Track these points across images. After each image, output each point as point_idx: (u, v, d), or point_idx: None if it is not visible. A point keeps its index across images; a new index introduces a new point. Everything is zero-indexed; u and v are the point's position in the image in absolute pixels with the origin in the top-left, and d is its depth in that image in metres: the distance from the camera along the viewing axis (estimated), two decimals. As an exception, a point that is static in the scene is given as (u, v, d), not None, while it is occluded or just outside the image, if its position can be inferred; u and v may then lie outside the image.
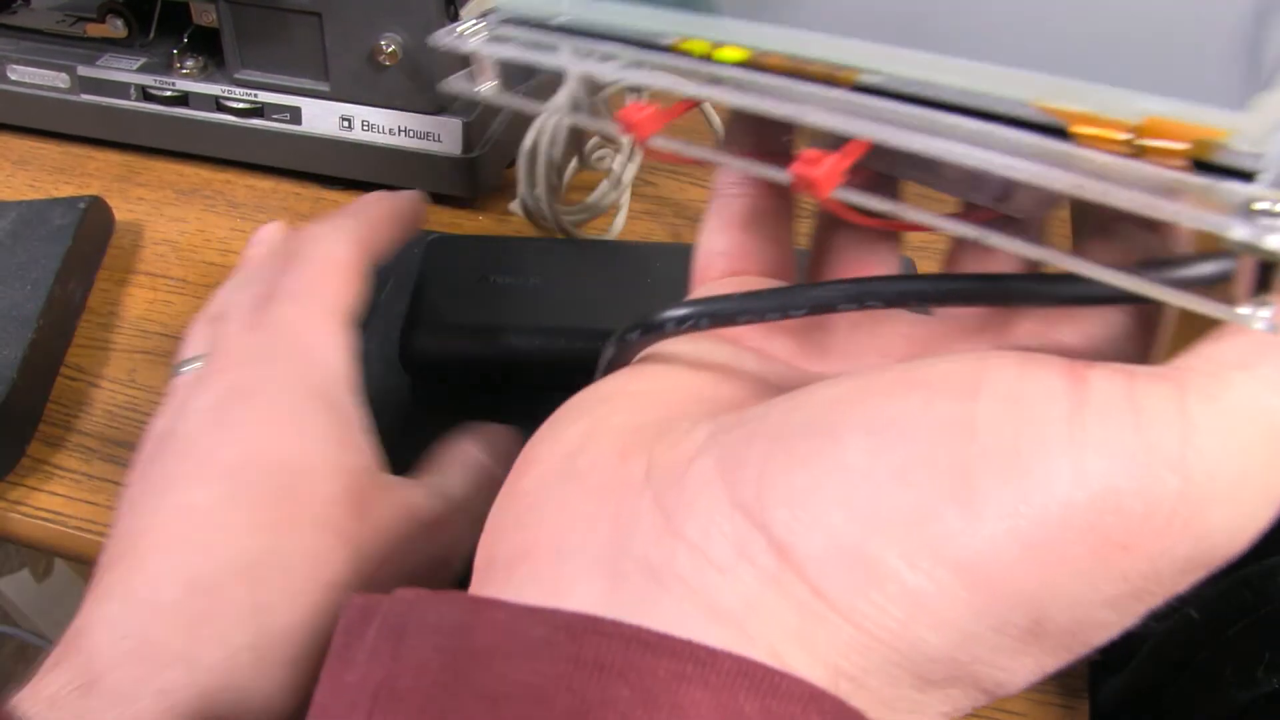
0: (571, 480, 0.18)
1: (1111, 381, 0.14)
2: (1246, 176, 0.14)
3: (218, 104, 0.52)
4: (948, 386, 0.15)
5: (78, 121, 0.54)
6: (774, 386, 0.20)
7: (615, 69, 0.20)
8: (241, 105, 0.51)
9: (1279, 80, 0.15)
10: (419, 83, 0.49)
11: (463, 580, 0.29)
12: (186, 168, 0.54)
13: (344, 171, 0.52)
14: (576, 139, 0.44)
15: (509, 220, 0.51)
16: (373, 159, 0.51)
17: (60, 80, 0.53)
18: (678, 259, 0.42)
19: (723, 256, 0.24)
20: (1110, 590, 0.14)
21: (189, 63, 0.52)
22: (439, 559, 0.28)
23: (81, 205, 0.46)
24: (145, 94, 0.52)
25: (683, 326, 0.19)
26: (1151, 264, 0.15)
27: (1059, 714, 0.33)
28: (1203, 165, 0.14)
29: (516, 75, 0.24)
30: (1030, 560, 0.14)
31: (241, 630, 0.25)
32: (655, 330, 0.20)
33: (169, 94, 0.52)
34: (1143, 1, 0.18)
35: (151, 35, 0.54)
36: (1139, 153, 0.15)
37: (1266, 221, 0.13)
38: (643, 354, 0.21)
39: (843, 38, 0.18)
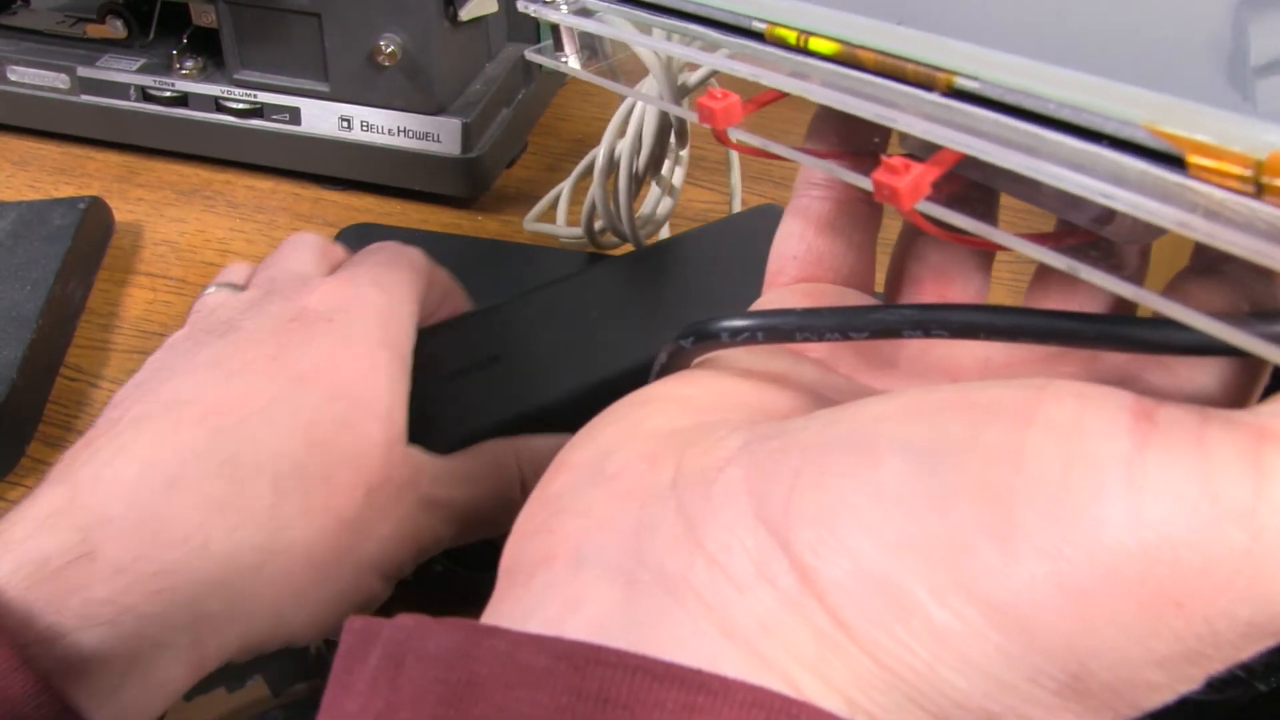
0: (599, 484, 0.17)
1: (1181, 423, 0.13)
2: None
3: (217, 104, 0.52)
4: (1000, 412, 0.14)
5: (78, 122, 0.54)
6: (828, 400, 0.19)
7: (702, 54, 0.19)
8: (241, 106, 0.51)
9: None
10: (418, 83, 0.49)
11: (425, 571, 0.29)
12: (186, 168, 0.54)
13: (343, 172, 0.52)
14: (661, 145, 0.41)
15: (511, 222, 0.51)
16: (372, 159, 0.51)
17: (60, 81, 0.53)
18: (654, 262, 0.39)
19: (795, 261, 0.23)
20: (1161, 649, 0.13)
21: (189, 63, 0.52)
22: (424, 538, 0.28)
23: (81, 205, 0.46)
24: (145, 94, 0.52)
25: (737, 339, 0.19)
26: (1258, 315, 0.14)
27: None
28: None
29: (593, 51, 0.23)
30: (1071, 607, 0.13)
31: (256, 529, 0.24)
32: (709, 339, 0.19)
33: (169, 94, 0.52)
34: (1272, 22, 0.16)
35: (151, 36, 0.54)
36: (1259, 191, 0.13)
37: None
38: (698, 360, 0.21)
39: (940, 36, 0.16)
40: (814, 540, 0.14)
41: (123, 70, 0.52)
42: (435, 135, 0.50)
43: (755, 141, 0.19)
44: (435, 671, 0.15)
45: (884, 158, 0.16)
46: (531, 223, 0.50)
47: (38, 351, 0.39)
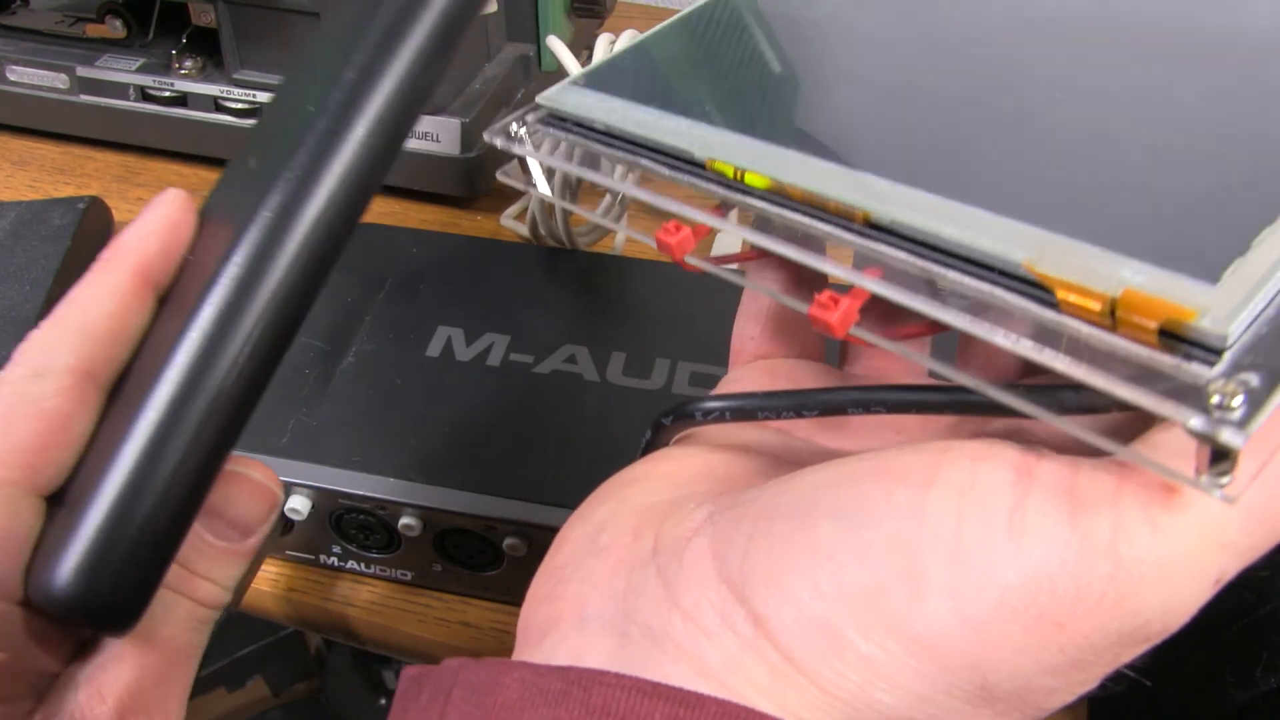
0: (595, 555, 0.20)
1: (1056, 475, 0.16)
2: (1216, 351, 0.15)
3: (216, 104, 0.52)
4: (908, 476, 0.17)
5: (77, 122, 0.54)
6: (787, 463, 0.22)
7: (652, 195, 0.22)
8: (240, 105, 0.51)
9: (1256, 245, 0.16)
10: (418, 83, 0.49)
11: None
12: (186, 168, 0.54)
13: (343, 171, 0.52)
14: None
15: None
16: (372, 159, 0.51)
17: (59, 81, 0.53)
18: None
19: (754, 341, 0.26)
20: (1050, 661, 0.16)
21: (188, 63, 0.52)
22: None
23: (80, 205, 0.46)
24: (144, 94, 0.52)
25: (708, 418, 0.22)
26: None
27: (1058, 713, 0.33)
28: (1175, 335, 0.15)
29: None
30: (971, 634, 0.16)
31: None
32: (686, 418, 0.23)
33: (168, 94, 0.52)
34: (1144, 157, 0.19)
35: (150, 35, 0.54)
36: (1115, 324, 0.15)
37: (1221, 414, 0.14)
38: (678, 436, 0.24)
39: (860, 172, 0.19)
40: (765, 594, 0.17)
41: (122, 70, 0.52)
42: (434, 135, 0.50)
43: (707, 267, 0.22)
44: (475, 697, 0.18)
45: (816, 295, 0.18)
46: (507, 219, 0.50)
47: (37, 352, 0.39)
